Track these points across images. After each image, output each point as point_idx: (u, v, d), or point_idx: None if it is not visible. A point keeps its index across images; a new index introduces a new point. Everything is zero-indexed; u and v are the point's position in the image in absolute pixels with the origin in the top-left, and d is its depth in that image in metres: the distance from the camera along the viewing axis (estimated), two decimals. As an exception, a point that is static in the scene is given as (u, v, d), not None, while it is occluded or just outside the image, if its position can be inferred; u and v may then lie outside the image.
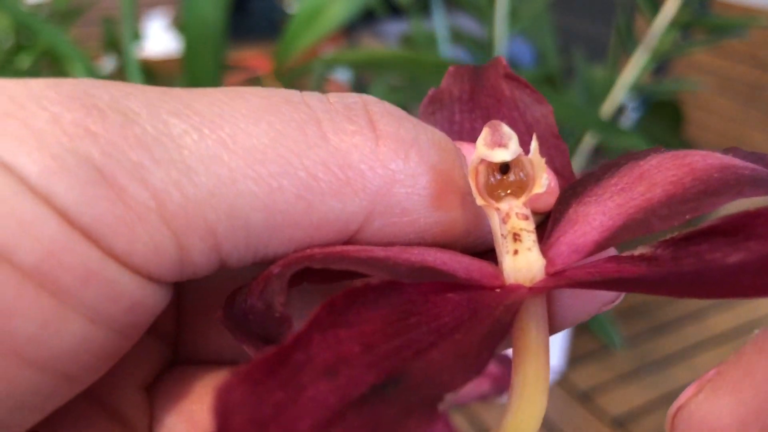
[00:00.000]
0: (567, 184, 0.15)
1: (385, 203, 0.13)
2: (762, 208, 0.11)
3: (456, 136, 0.16)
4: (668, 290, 0.11)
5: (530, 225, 0.13)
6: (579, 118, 0.65)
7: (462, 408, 0.82)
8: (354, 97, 0.13)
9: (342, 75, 1.06)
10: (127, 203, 0.11)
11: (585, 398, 0.89)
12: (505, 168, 0.13)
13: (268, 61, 0.82)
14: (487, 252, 0.14)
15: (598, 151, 0.75)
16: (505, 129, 0.13)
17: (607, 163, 0.14)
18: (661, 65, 0.97)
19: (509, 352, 0.13)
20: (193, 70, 0.66)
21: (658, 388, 0.89)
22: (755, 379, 0.10)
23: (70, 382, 0.12)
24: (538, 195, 0.13)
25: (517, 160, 0.13)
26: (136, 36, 0.74)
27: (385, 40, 1.45)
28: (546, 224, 0.14)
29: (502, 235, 0.13)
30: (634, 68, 0.68)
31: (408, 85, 0.78)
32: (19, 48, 0.75)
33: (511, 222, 0.13)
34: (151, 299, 0.12)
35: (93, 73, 0.64)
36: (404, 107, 0.14)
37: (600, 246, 0.13)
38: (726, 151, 0.13)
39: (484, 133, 0.13)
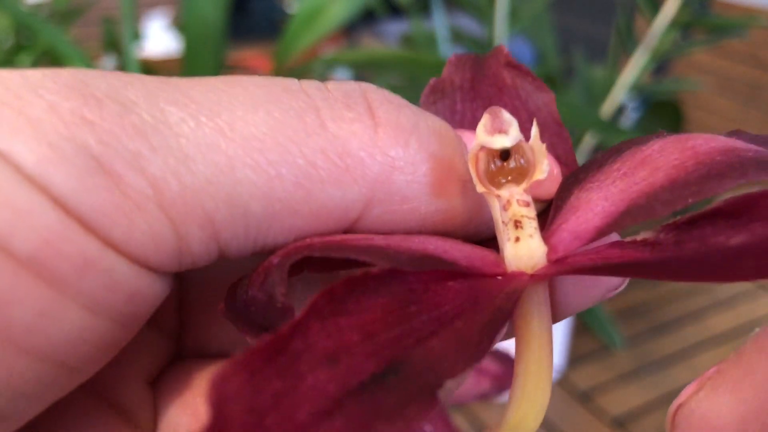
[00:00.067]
0: (569, 171, 0.15)
1: (385, 191, 0.13)
2: (765, 191, 0.11)
3: (457, 125, 0.16)
4: (671, 274, 0.11)
5: (531, 212, 0.13)
6: (579, 118, 0.65)
7: (462, 407, 0.82)
8: (353, 85, 0.13)
9: (342, 75, 1.06)
10: (125, 192, 0.11)
11: (585, 398, 0.89)
12: (505, 154, 0.13)
13: (268, 61, 0.82)
14: (489, 240, 0.14)
15: (598, 151, 0.75)
16: (506, 115, 0.13)
17: (610, 149, 0.14)
18: (661, 65, 0.97)
19: (510, 350, 0.13)
20: (193, 70, 0.66)
21: (658, 388, 0.89)
22: (755, 377, 0.10)
23: (69, 373, 0.11)
24: (540, 182, 0.13)
25: (517, 147, 0.13)
26: (136, 36, 0.74)
27: (385, 40, 1.45)
28: (548, 211, 0.14)
29: (503, 222, 0.13)
30: (634, 68, 0.68)
31: (408, 85, 0.78)
32: (19, 48, 0.75)
33: (512, 209, 0.13)
34: (150, 289, 0.12)
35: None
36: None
37: (602, 232, 0.12)
38: (730, 134, 0.13)
39: (484, 120, 0.13)
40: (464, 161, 0.14)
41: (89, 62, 0.62)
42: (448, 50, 0.86)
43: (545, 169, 0.13)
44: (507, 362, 0.42)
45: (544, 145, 0.13)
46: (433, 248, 0.12)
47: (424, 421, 0.09)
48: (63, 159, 0.10)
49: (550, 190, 0.14)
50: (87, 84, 0.11)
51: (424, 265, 0.12)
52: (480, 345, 0.10)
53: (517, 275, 0.12)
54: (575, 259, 0.12)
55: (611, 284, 0.14)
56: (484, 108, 0.16)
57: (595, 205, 0.13)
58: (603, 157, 0.14)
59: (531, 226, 0.13)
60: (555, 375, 0.91)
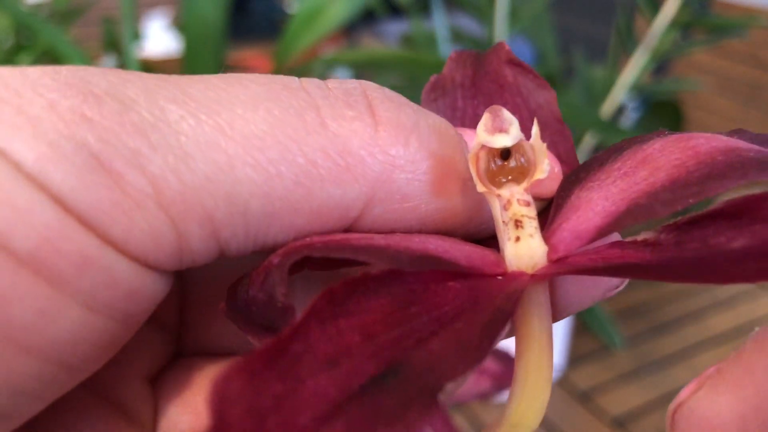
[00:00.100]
0: (570, 170, 0.15)
1: (386, 189, 0.13)
2: (766, 192, 0.11)
3: (459, 123, 0.16)
4: (672, 276, 0.10)
5: (532, 211, 0.13)
6: (579, 118, 0.65)
7: (462, 407, 0.82)
8: (353, 83, 0.13)
9: (342, 75, 1.06)
10: (125, 190, 0.11)
11: (585, 398, 0.89)
12: (506, 154, 0.13)
13: (268, 61, 0.82)
14: (489, 238, 0.14)
15: (598, 151, 0.75)
16: (506, 114, 0.13)
17: (611, 147, 0.14)
18: (661, 65, 0.97)
19: (510, 349, 0.13)
20: (193, 70, 0.66)
21: (658, 388, 0.89)
22: (755, 376, 0.10)
23: (69, 371, 0.11)
24: (541, 181, 0.13)
25: (518, 146, 0.13)
26: (136, 36, 0.74)
27: (385, 40, 1.45)
28: (548, 210, 0.14)
29: (503, 222, 0.13)
30: (634, 68, 0.68)
31: (408, 85, 0.78)
32: (19, 48, 0.75)
33: (512, 208, 0.13)
34: (150, 288, 0.12)
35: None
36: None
37: (602, 232, 0.12)
38: (731, 133, 0.13)
39: (485, 119, 0.13)
40: (465, 160, 0.14)
41: (89, 62, 0.62)
42: (448, 50, 0.86)
43: (546, 169, 0.13)
44: (507, 361, 0.42)
45: (544, 145, 0.13)
46: (434, 248, 0.12)
47: (425, 423, 0.09)
48: (62, 157, 0.10)
49: (551, 188, 0.14)
50: (87, 81, 0.11)
51: (424, 265, 0.12)
52: (480, 346, 0.10)
53: (518, 275, 0.12)
54: (576, 259, 0.12)
55: (611, 284, 0.14)
56: (485, 105, 0.16)
57: (596, 204, 0.13)
58: (604, 156, 0.14)
59: (531, 225, 0.13)
60: (555, 375, 0.90)
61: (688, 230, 0.11)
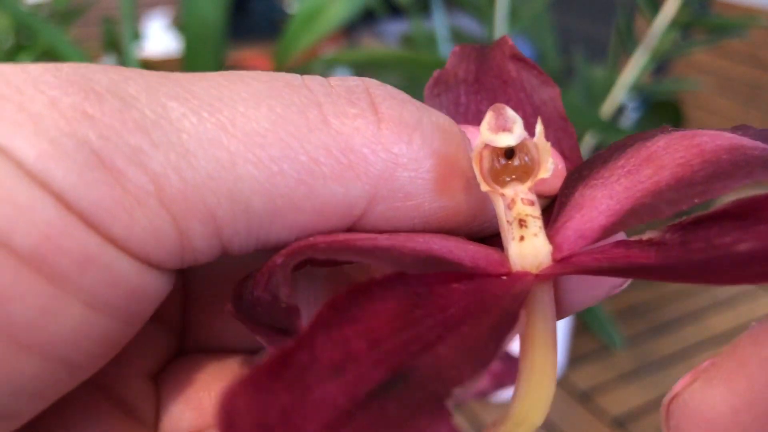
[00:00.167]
0: (574, 167, 0.14)
1: (388, 187, 0.13)
2: None
3: (462, 118, 0.16)
4: (677, 277, 0.10)
5: (536, 210, 0.13)
6: (579, 118, 0.65)
7: (462, 407, 0.82)
8: (356, 81, 0.13)
9: (342, 75, 1.06)
10: (126, 187, 0.11)
11: (585, 398, 0.89)
12: (509, 153, 0.13)
13: (268, 61, 0.82)
14: (493, 236, 0.14)
15: (598, 151, 0.75)
16: (510, 113, 0.13)
17: (615, 144, 0.14)
18: (661, 65, 0.97)
19: (510, 347, 0.13)
20: (193, 70, 0.66)
21: (658, 388, 0.89)
22: (749, 369, 0.10)
23: (72, 370, 0.11)
24: (544, 179, 0.13)
25: (522, 145, 0.13)
26: (136, 36, 0.74)
27: (385, 40, 1.45)
28: (552, 208, 0.14)
29: (507, 221, 0.13)
30: (634, 68, 0.68)
31: (408, 85, 0.78)
32: (19, 48, 0.75)
33: (516, 208, 0.13)
34: (152, 286, 0.12)
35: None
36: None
37: (607, 231, 0.12)
38: (735, 129, 0.13)
39: (488, 117, 0.13)
40: (468, 157, 0.13)
41: (89, 62, 0.62)
42: (448, 50, 0.86)
43: (550, 167, 0.12)
44: (506, 360, 0.42)
45: (549, 143, 0.13)
46: (438, 248, 0.12)
47: (434, 430, 0.09)
48: (63, 154, 0.10)
49: (555, 186, 0.14)
50: (88, 79, 0.11)
51: (428, 266, 0.12)
52: (487, 350, 0.10)
53: (522, 275, 0.12)
54: (580, 258, 0.12)
55: (615, 282, 0.14)
56: (489, 100, 0.15)
57: (600, 203, 0.13)
58: (607, 153, 0.14)
59: (536, 225, 0.13)
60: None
61: (693, 230, 0.11)
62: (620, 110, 0.81)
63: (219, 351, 0.17)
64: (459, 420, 0.81)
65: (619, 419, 0.86)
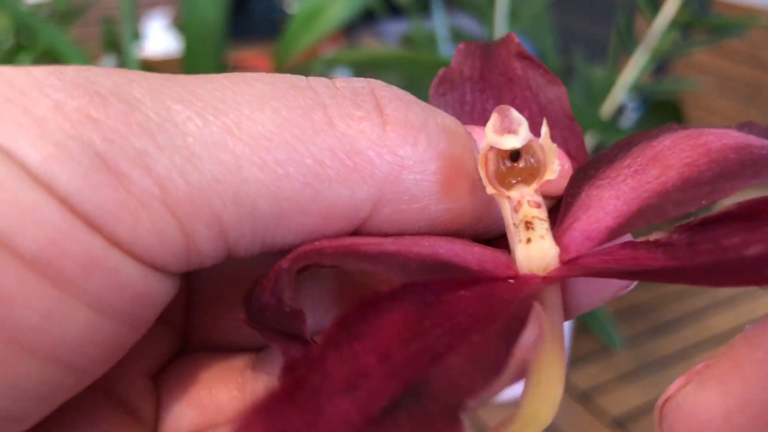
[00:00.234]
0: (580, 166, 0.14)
1: (394, 190, 0.13)
2: None
3: (467, 117, 0.16)
4: (685, 280, 0.10)
5: (542, 213, 0.13)
6: (579, 118, 0.64)
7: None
8: (361, 82, 0.13)
9: (342, 75, 1.06)
10: (131, 190, 0.11)
11: (585, 398, 0.89)
12: (515, 155, 0.13)
13: (268, 61, 0.82)
14: (499, 238, 0.14)
15: (598, 151, 0.75)
16: (514, 114, 0.12)
17: (620, 142, 0.14)
18: (661, 65, 0.97)
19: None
20: (193, 70, 0.66)
21: (658, 388, 0.89)
22: (743, 371, 0.10)
23: (76, 373, 0.11)
24: (550, 180, 0.13)
25: (527, 146, 0.13)
26: (136, 36, 0.74)
27: (385, 40, 1.45)
28: (558, 208, 0.14)
29: (514, 224, 0.13)
30: (634, 68, 0.68)
31: (408, 85, 0.78)
32: (19, 48, 0.75)
33: (522, 210, 0.13)
34: (157, 289, 0.12)
35: (93, 72, 0.63)
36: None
37: (614, 233, 0.12)
38: (741, 126, 0.13)
39: (493, 119, 0.12)
40: (474, 159, 0.13)
41: (89, 62, 0.62)
42: (448, 50, 0.86)
43: (556, 169, 0.12)
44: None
45: (554, 145, 0.12)
46: (444, 251, 0.12)
47: None
48: (68, 157, 0.10)
49: (561, 186, 0.14)
50: (92, 82, 0.11)
51: (434, 271, 0.12)
52: (498, 358, 0.10)
53: (530, 278, 0.12)
54: (588, 260, 0.12)
55: (622, 284, 0.14)
56: (494, 99, 0.15)
57: (607, 203, 0.13)
58: (613, 152, 0.14)
59: (542, 227, 0.13)
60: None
61: (700, 231, 0.11)
62: (620, 110, 0.81)
63: (221, 348, 0.17)
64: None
65: (619, 419, 0.86)
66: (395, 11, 1.05)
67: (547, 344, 0.12)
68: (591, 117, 0.66)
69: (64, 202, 0.10)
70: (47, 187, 0.10)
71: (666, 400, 0.11)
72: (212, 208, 0.11)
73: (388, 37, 1.44)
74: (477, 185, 0.13)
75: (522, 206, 0.13)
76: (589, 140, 0.72)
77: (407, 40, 0.99)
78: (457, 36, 0.86)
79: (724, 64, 1.36)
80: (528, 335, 0.11)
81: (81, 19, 0.82)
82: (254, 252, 0.12)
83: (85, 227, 0.10)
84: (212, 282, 0.17)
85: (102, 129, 0.11)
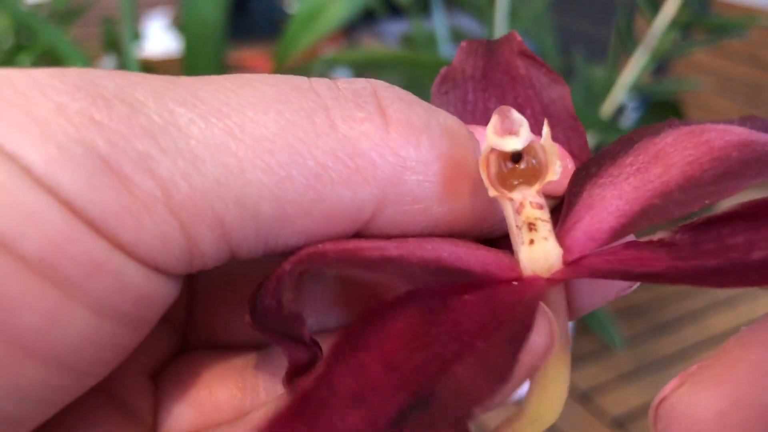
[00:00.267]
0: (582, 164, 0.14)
1: (397, 191, 0.13)
2: None
3: (470, 116, 0.16)
4: (690, 282, 0.10)
5: (545, 214, 0.13)
6: (579, 118, 0.64)
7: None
8: (363, 83, 0.13)
9: (342, 75, 1.06)
10: (133, 193, 0.11)
11: (585, 398, 0.89)
12: (516, 156, 0.13)
13: (268, 61, 0.82)
14: (502, 237, 0.14)
15: (598, 151, 0.75)
16: (515, 115, 0.12)
17: (622, 139, 0.14)
18: (661, 65, 0.97)
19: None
20: (193, 70, 0.66)
21: (658, 388, 0.88)
22: (736, 373, 0.10)
23: (78, 376, 0.11)
24: (553, 180, 0.13)
25: (528, 147, 0.13)
26: (136, 36, 0.74)
27: (385, 40, 1.45)
28: (560, 208, 0.14)
29: (516, 226, 0.13)
30: (634, 68, 0.68)
31: (408, 84, 0.78)
32: (19, 48, 0.75)
33: (525, 212, 0.13)
34: (160, 292, 0.12)
35: (93, 72, 0.63)
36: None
37: (617, 233, 0.12)
38: (743, 120, 0.13)
39: (494, 121, 0.12)
40: (476, 159, 0.13)
41: (89, 62, 0.62)
42: (448, 50, 0.86)
43: (558, 170, 0.12)
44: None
45: (556, 146, 0.12)
46: (447, 255, 0.12)
47: None
48: (71, 160, 0.10)
49: (563, 186, 0.14)
50: (95, 84, 0.11)
51: (438, 276, 0.12)
52: (504, 365, 0.10)
53: (533, 280, 0.12)
54: (592, 261, 0.12)
55: (625, 284, 0.14)
56: (497, 97, 0.15)
57: (610, 203, 0.13)
58: (614, 149, 0.14)
59: (545, 228, 0.13)
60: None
61: (704, 231, 0.11)
62: (620, 110, 0.81)
63: (219, 348, 0.17)
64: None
65: (619, 419, 0.86)
66: (395, 11, 1.05)
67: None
68: (591, 117, 0.66)
69: (67, 204, 0.10)
70: (50, 190, 0.10)
71: (661, 401, 0.11)
72: (215, 210, 0.11)
73: (388, 37, 1.44)
74: (479, 186, 0.13)
75: (524, 208, 0.13)
76: (589, 140, 0.72)
77: (407, 40, 0.99)
78: (457, 36, 0.86)
79: (724, 64, 1.36)
80: (534, 339, 0.11)
81: (81, 19, 0.82)
82: (257, 254, 0.12)
83: (88, 230, 0.10)
84: (213, 280, 0.16)
85: (105, 132, 0.11)
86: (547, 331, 0.12)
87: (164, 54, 1.25)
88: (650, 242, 0.12)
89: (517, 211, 0.13)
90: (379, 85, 0.13)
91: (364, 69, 0.79)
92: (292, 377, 0.12)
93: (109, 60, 0.86)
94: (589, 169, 0.14)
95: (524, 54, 0.16)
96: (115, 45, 0.80)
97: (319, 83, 0.13)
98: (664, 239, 0.12)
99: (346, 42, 1.42)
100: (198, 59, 0.67)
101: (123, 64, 0.71)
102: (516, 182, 0.13)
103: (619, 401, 0.88)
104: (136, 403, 0.15)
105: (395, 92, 0.13)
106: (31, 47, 0.73)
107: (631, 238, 0.13)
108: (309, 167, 0.12)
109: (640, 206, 0.12)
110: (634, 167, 0.13)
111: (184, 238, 0.11)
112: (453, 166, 0.13)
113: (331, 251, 0.12)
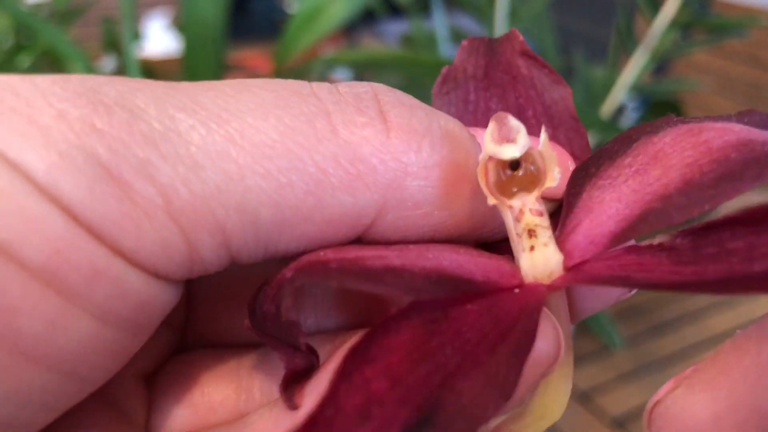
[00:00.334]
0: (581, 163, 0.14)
1: (398, 197, 0.13)
2: None
3: (471, 117, 0.16)
4: (692, 290, 0.10)
5: (545, 220, 0.13)
6: (579, 118, 0.64)
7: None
8: (364, 87, 0.13)
9: (342, 75, 1.06)
10: (134, 200, 0.11)
11: (585, 398, 0.89)
12: (514, 163, 0.13)
13: (268, 61, 0.82)
14: (503, 241, 0.14)
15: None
16: (513, 122, 0.12)
17: (620, 137, 0.14)
18: (661, 65, 0.97)
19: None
20: (193, 70, 0.66)
21: (658, 388, 0.89)
22: (731, 376, 0.10)
23: (79, 382, 0.11)
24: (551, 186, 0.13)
25: (527, 154, 0.13)
26: (136, 36, 0.74)
27: (385, 40, 1.45)
28: (559, 211, 0.14)
29: (516, 233, 0.13)
30: (634, 68, 0.68)
31: (408, 84, 0.78)
32: (19, 48, 0.75)
33: (525, 219, 0.13)
34: (160, 298, 0.12)
35: (93, 73, 0.63)
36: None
37: (618, 238, 0.12)
38: (741, 115, 0.13)
39: (491, 128, 0.12)
40: (477, 162, 0.13)
41: (89, 62, 0.62)
42: (448, 50, 0.86)
43: (557, 177, 0.12)
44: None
45: (554, 153, 0.12)
46: (448, 263, 0.12)
47: None
48: (72, 167, 0.10)
49: (563, 188, 0.14)
50: (96, 91, 0.11)
51: (440, 286, 0.12)
52: (508, 379, 0.10)
53: (535, 287, 0.12)
54: (593, 267, 0.12)
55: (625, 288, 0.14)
56: (498, 97, 0.15)
57: (609, 206, 0.13)
58: (613, 148, 0.14)
59: (545, 234, 0.13)
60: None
61: (705, 235, 0.11)
62: (620, 110, 0.81)
63: (214, 348, 0.16)
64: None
65: (619, 419, 0.86)
66: (395, 11, 1.05)
67: None
68: (591, 117, 0.66)
69: (68, 211, 0.10)
70: (51, 197, 0.10)
71: (655, 404, 0.11)
72: (215, 217, 0.11)
73: (388, 37, 1.44)
74: (480, 190, 0.13)
75: (524, 215, 0.13)
76: (589, 140, 0.72)
77: (407, 40, 0.99)
78: (457, 36, 0.86)
79: (724, 64, 1.36)
80: (540, 346, 0.11)
81: (81, 19, 0.82)
82: (257, 259, 0.12)
83: (89, 237, 0.11)
84: (212, 282, 0.16)
85: (106, 138, 0.11)
86: (553, 338, 0.12)
87: (164, 54, 1.25)
88: (651, 246, 0.12)
89: (517, 219, 0.13)
90: (380, 88, 0.13)
91: (364, 69, 0.79)
92: (288, 383, 0.12)
93: (109, 60, 0.86)
94: (588, 169, 0.14)
95: (526, 54, 0.16)
96: (115, 45, 0.80)
97: (320, 88, 0.13)
98: (664, 243, 0.12)
99: (346, 42, 1.42)
100: (198, 59, 0.67)
101: (123, 64, 0.71)
102: (515, 189, 0.13)
103: (619, 401, 0.88)
104: (128, 405, 0.15)
105: (396, 96, 0.13)
106: (31, 47, 0.73)
107: (631, 242, 0.13)
108: (309, 173, 0.12)
109: (640, 210, 0.12)
110: (633, 168, 0.13)
111: (184, 244, 0.11)
112: (454, 170, 0.13)
113: (333, 260, 0.12)
